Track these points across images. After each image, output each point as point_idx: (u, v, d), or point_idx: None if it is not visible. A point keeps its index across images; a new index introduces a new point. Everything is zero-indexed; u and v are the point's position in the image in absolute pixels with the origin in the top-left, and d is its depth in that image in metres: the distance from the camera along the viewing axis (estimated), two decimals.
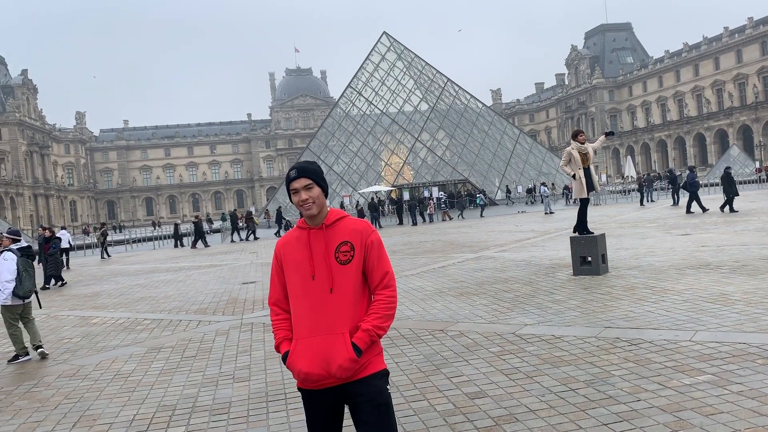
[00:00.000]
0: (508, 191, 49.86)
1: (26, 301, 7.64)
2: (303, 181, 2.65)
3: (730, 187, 20.19)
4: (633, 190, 41.30)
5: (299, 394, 5.09)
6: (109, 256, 27.94)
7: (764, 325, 5.81)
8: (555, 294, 8.46)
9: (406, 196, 47.50)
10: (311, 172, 2.67)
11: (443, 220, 34.68)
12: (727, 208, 20.10)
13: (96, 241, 29.35)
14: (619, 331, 6.14)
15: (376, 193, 44.12)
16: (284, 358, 2.67)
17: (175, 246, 32.10)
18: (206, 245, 29.42)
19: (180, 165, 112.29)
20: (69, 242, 23.76)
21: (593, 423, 3.97)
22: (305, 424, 4.44)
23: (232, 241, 33.09)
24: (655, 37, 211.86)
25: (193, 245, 29.72)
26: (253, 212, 38.93)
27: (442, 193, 44.77)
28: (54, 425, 4.93)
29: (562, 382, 4.82)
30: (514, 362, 5.45)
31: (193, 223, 31.32)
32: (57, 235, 19.99)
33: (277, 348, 2.73)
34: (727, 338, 5.50)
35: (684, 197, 32.82)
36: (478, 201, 37.64)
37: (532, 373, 5.10)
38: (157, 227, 63.25)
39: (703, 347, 5.31)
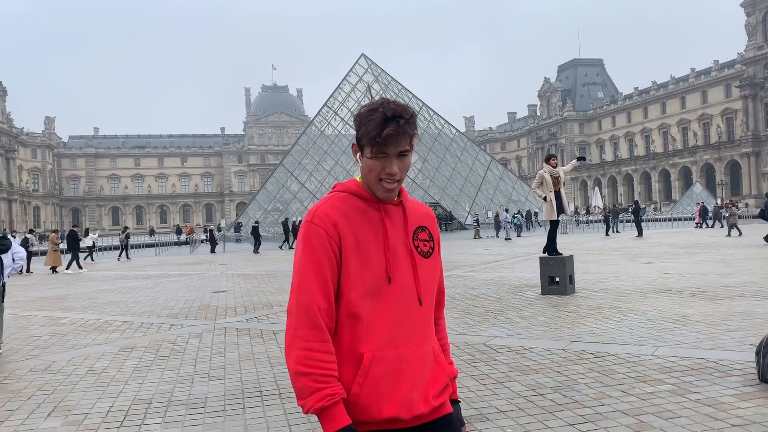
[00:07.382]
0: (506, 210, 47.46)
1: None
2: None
3: None
4: (599, 221, 42.19)
5: (276, 391, 5.24)
6: (129, 258, 29.24)
7: (722, 344, 6.11)
8: (524, 310, 8.70)
9: None
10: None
11: (474, 238, 34.41)
12: None
13: (119, 243, 32.02)
14: (584, 344, 6.38)
15: None
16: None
17: (212, 251, 33.09)
18: (256, 251, 30.33)
19: (149, 176, 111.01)
20: (93, 241, 30.17)
21: (560, 423, 4.17)
22: (282, 419, 4.60)
23: (281, 248, 33.19)
24: (625, 74, 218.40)
25: (256, 250, 30.77)
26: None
27: (476, 213, 43.78)
28: (28, 414, 4.93)
29: (531, 387, 5.02)
30: (484, 369, 5.64)
31: (253, 228, 32.54)
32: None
33: (320, 410, 1.60)
34: (687, 354, 5.77)
35: (648, 230, 33.72)
36: (515, 220, 36.25)
37: (501, 379, 5.28)
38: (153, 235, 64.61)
39: (664, 361, 5.57)
